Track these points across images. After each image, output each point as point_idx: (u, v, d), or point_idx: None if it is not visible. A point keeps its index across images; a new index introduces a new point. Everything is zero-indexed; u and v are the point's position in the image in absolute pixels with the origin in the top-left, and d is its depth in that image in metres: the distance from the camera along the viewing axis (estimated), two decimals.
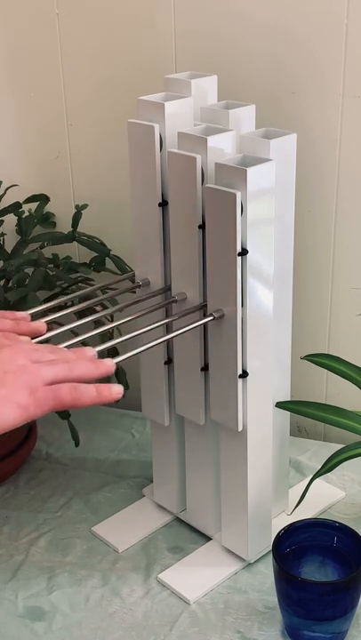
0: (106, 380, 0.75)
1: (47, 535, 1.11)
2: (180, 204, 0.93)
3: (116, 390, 0.73)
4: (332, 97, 1.11)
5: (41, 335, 0.80)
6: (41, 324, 0.82)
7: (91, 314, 0.95)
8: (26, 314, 0.82)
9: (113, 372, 0.75)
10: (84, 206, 1.25)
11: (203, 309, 0.94)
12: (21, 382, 0.70)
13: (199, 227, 0.92)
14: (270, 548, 0.97)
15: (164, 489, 1.13)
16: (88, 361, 0.74)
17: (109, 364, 0.75)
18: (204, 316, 0.92)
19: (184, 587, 1.01)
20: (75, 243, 1.24)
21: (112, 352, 1.11)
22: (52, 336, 0.85)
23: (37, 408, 0.70)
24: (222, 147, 0.91)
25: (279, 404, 1.04)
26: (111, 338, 1.00)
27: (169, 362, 1.04)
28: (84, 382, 0.72)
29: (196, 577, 1.02)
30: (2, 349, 0.72)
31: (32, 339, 0.78)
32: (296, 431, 1.30)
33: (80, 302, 0.99)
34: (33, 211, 1.30)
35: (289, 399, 1.07)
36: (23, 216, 1.27)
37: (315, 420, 1.05)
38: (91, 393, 0.72)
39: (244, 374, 0.94)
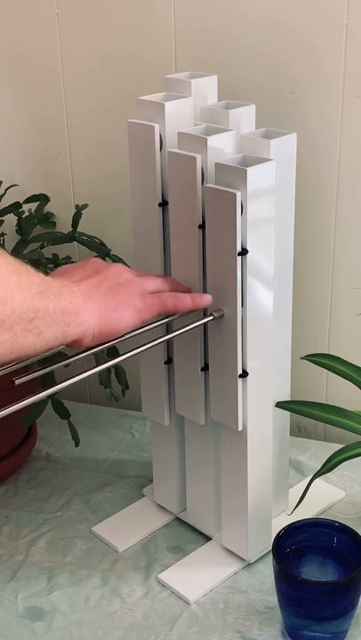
0: None
1: (47, 535, 1.11)
2: (180, 204, 0.93)
3: (207, 298, 0.90)
4: (332, 97, 1.12)
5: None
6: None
7: None
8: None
9: (191, 290, 0.92)
10: (84, 206, 1.25)
11: (203, 309, 0.94)
12: (133, 290, 0.84)
13: (199, 227, 0.92)
14: (270, 547, 0.97)
15: (164, 489, 1.13)
16: (172, 280, 0.92)
17: (187, 286, 0.93)
18: (204, 315, 0.92)
19: (184, 587, 1.01)
20: (75, 243, 1.24)
21: (112, 352, 1.11)
22: None
23: (147, 311, 0.84)
24: (222, 147, 0.91)
25: (279, 404, 1.04)
26: None
27: (169, 362, 1.04)
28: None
29: (196, 577, 1.02)
30: (109, 267, 0.86)
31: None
32: (296, 431, 1.30)
33: None
34: (33, 211, 1.30)
35: (289, 399, 1.07)
36: (23, 216, 1.27)
37: (315, 420, 1.05)
38: (187, 300, 0.88)
39: (244, 374, 0.94)
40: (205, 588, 1.01)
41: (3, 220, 1.25)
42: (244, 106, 0.97)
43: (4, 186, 1.28)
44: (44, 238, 1.26)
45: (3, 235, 1.26)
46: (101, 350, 0.86)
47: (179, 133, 0.92)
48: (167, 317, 0.93)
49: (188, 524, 1.11)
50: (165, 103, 0.93)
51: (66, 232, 1.25)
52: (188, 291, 0.92)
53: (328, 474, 1.03)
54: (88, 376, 0.81)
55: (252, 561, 1.04)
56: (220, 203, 0.87)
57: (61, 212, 1.33)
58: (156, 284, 0.88)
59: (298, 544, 0.96)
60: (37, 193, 1.31)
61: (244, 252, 0.88)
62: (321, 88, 1.12)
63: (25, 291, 0.70)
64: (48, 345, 0.74)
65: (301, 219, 1.11)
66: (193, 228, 0.92)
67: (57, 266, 1.21)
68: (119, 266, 0.87)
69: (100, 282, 0.83)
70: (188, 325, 0.90)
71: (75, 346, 0.80)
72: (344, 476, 1.18)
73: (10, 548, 1.09)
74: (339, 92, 1.11)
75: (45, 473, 1.23)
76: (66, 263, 1.22)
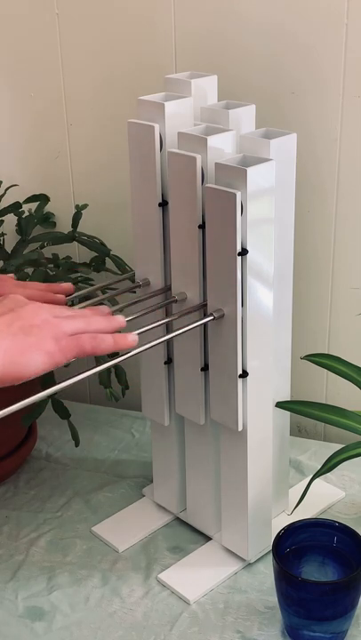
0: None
1: (47, 535, 1.11)
2: (180, 204, 0.93)
3: (132, 338, 0.82)
4: (332, 97, 1.12)
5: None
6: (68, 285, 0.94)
7: None
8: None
9: (124, 326, 0.83)
10: (84, 206, 1.25)
11: (203, 309, 0.94)
12: (47, 333, 0.77)
13: (199, 227, 0.92)
14: (270, 547, 0.97)
15: (164, 489, 1.13)
16: (101, 317, 0.83)
17: (121, 320, 0.83)
18: (204, 315, 0.92)
19: (184, 587, 1.01)
20: (75, 243, 1.24)
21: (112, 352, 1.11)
22: None
23: (62, 355, 0.77)
24: (222, 147, 0.91)
25: (279, 404, 1.04)
26: None
27: (169, 362, 1.04)
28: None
29: (196, 577, 1.02)
30: (25, 306, 0.79)
31: None
32: (296, 431, 1.30)
33: (80, 302, 0.99)
34: (33, 211, 1.30)
35: (289, 399, 1.07)
36: (23, 216, 1.27)
37: (315, 420, 1.05)
38: (108, 341, 0.80)
39: (244, 374, 0.94)
40: (205, 588, 1.01)
41: (3, 220, 1.25)
42: (244, 106, 0.97)
43: (4, 186, 1.28)
44: (44, 238, 1.26)
45: (3, 235, 1.26)
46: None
47: (179, 133, 0.92)
48: (167, 318, 0.93)
49: (188, 524, 1.11)
50: (165, 103, 0.93)
51: (66, 232, 1.25)
52: (119, 327, 0.84)
53: (328, 474, 1.03)
54: (88, 376, 0.81)
55: (252, 561, 1.04)
56: (220, 203, 0.87)
57: (61, 212, 1.33)
58: (75, 325, 0.80)
59: (298, 544, 0.96)
60: (37, 193, 1.31)
61: (244, 252, 0.88)
62: (321, 88, 1.12)
63: None
64: None
65: (301, 219, 1.11)
66: (193, 228, 0.92)
67: (57, 266, 1.21)
68: (38, 305, 0.80)
69: (13, 321, 0.77)
70: (188, 325, 0.90)
71: None
72: (344, 476, 1.18)
73: (10, 548, 1.09)
74: (339, 92, 1.11)
75: (45, 473, 1.23)
76: (66, 263, 1.22)
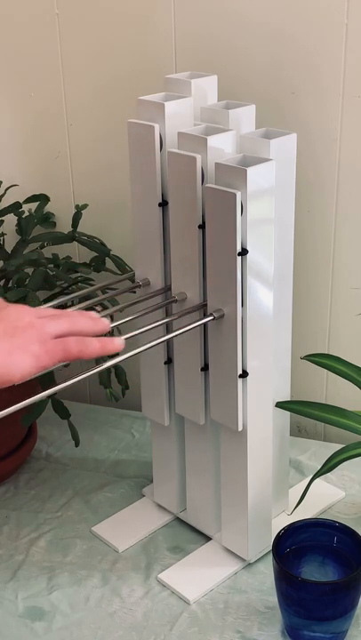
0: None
1: (47, 535, 1.11)
2: (180, 204, 0.93)
3: (118, 342, 0.79)
4: (332, 97, 1.12)
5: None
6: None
7: None
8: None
9: (109, 329, 0.81)
10: (84, 206, 1.25)
11: (203, 309, 0.94)
12: (31, 335, 0.75)
13: (199, 227, 0.92)
14: (270, 547, 0.97)
15: (164, 489, 1.13)
16: (87, 318, 0.80)
17: (106, 322, 0.81)
18: (204, 315, 0.92)
19: (184, 587, 1.01)
20: (75, 243, 1.24)
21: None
22: None
23: (48, 358, 0.75)
24: (222, 147, 0.91)
25: (279, 404, 1.04)
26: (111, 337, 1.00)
27: (169, 362, 1.04)
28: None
29: (196, 577, 1.02)
30: (9, 308, 0.78)
31: None
32: (296, 431, 1.30)
33: (80, 302, 0.99)
34: (33, 211, 1.30)
35: (289, 399, 1.07)
36: (23, 216, 1.27)
37: (315, 420, 1.05)
38: (95, 345, 0.78)
39: (244, 374, 0.94)
40: (205, 587, 1.01)
41: (3, 220, 1.25)
42: (244, 106, 0.97)
43: (4, 186, 1.28)
44: (44, 238, 1.26)
45: (3, 235, 1.26)
46: None
47: (179, 133, 0.92)
48: (166, 318, 0.93)
49: (188, 524, 1.11)
50: (165, 103, 0.93)
51: (66, 232, 1.25)
52: (104, 330, 0.82)
53: (328, 474, 1.03)
54: (88, 376, 0.81)
55: (252, 561, 1.04)
56: (220, 203, 0.87)
57: (61, 211, 1.33)
58: (60, 326, 0.78)
59: (298, 544, 0.96)
60: (37, 193, 1.31)
61: (244, 252, 0.88)
62: (321, 88, 1.12)
63: None
64: None
65: (301, 219, 1.11)
66: (193, 228, 0.92)
67: (57, 266, 1.21)
68: (20, 307, 0.79)
69: None
70: (188, 325, 0.90)
71: None
72: (344, 476, 1.18)
73: (10, 548, 1.09)
74: (339, 92, 1.11)
75: (45, 473, 1.23)
76: (66, 263, 1.22)
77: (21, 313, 0.78)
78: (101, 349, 0.79)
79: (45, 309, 0.81)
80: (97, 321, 0.81)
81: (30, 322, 0.77)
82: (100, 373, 1.12)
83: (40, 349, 0.75)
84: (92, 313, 0.83)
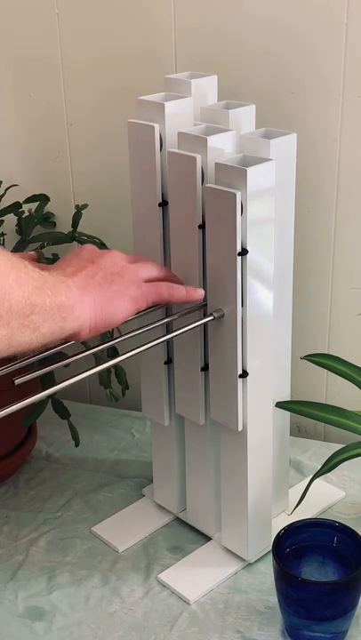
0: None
1: (47, 535, 1.11)
2: (180, 204, 0.93)
3: (201, 292, 0.91)
4: (332, 97, 1.11)
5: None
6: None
7: None
8: None
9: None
10: (84, 206, 1.25)
11: (203, 309, 0.94)
12: (128, 279, 0.84)
13: (199, 227, 0.92)
14: (270, 547, 0.97)
15: (164, 489, 1.13)
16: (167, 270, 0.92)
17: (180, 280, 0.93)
18: (204, 315, 0.92)
19: (184, 587, 1.01)
20: (75, 243, 1.24)
21: (112, 352, 1.11)
22: None
23: (143, 300, 0.85)
24: (222, 147, 0.91)
25: (279, 404, 1.04)
26: (111, 338, 1.00)
27: (169, 362, 1.04)
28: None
29: (196, 577, 1.02)
30: (103, 256, 0.85)
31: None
32: (296, 431, 1.30)
33: None
34: (33, 211, 1.30)
35: (289, 399, 1.07)
36: (23, 216, 1.27)
37: (315, 420, 1.05)
38: (182, 291, 0.89)
39: (244, 374, 0.94)
40: (205, 588, 1.01)
41: (3, 220, 1.25)
42: (244, 106, 0.97)
43: (4, 186, 1.28)
44: (44, 238, 1.26)
45: (3, 235, 1.26)
46: (101, 350, 0.86)
47: (179, 133, 0.92)
48: (166, 318, 0.93)
49: (188, 524, 1.11)
50: (165, 103, 0.93)
51: (66, 232, 1.25)
52: (181, 282, 0.93)
53: (328, 474, 1.03)
54: (88, 376, 0.81)
55: (252, 561, 1.04)
56: (220, 203, 0.87)
57: (61, 211, 1.33)
58: (150, 271, 0.88)
59: (298, 544, 0.96)
60: (37, 193, 1.31)
61: (244, 252, 0.88)
62: (321, 88, 1.12)
63: (23, 287, 0.70)
64: (45, 339, 0.74)
65: (301, 219, 1.11)
66: (193, 228, 0.92)
67: None
68: (113, 253, 0.86)
69: (95, 272, 0.82)
70: (188, 325, 0.90)
71: (72, 339, 0.80)
72: (344, 476, 1.18)
73: (10, 548, 1.09)
74: (339, 92, 1.11)
75: (45, 473, 1.23)
76: None
77: (115, 259, 0.85)
78: (187, 296, 0.90)
79: (135, 255, 0.90)
80: (175, 274, 0.93)
81: (125, 267, 0.85)
82: (100, 373, 1.12)
83: (137, 292, 0.83)
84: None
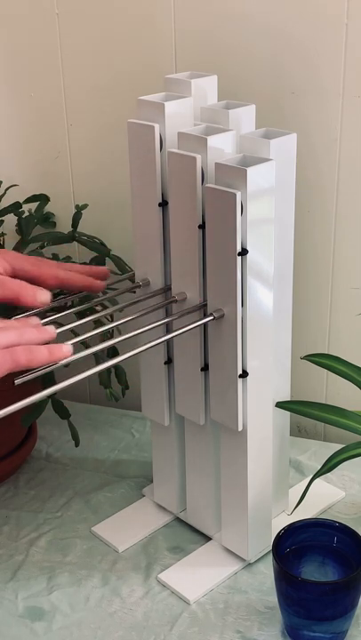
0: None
1: (47, 535, 1.11)
2: (180, 204, 0.93)
3: (67, 349, 0.80)
4: (332, 97, 1.12)
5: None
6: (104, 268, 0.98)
7: (91, 314, 0.95)
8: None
9: (55, 337, 0.82)
10: (84, 206, 1.25)
11: (203, 309, 0.94)
12: None
13: (199, 227, 0.92)
14: (270, 547, 0.97)
15: (164, 489, 1.13)
16: (33, 328, 0.81)
17: (52, 331, 0.82)
18: (204, 315, 0.92)
19: (184, 587, 1.01)
20: (75, 243, 1.24)
21: (112, 352, 1.11)
22: None
23: None
24: (222, 147, 0.91)
25: (279, 404, 1.04)
26: (111, 338, 1.00)
27: (169, 362, 1.04)
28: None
29: (196, 577, 1.02)
30: None
31: None
32: (296, 431, 1.30)
33: (80, 302, 0.99)
34: (33, 211, 1.30)
35: (289, 399, 1.07)
36: (23, 216, 1.27)
37: (315, 420, 1.05)
38: (43, 353, 0.79)
39: (244, 374, 0.94)
40: (205, 587, 1.01)
41: (3, 220, 1.25)
42: (244, 106, 0.97)
43: (4, 186, 1.28)
44: (44, 238, 1.26)
45: (3, 235, 1.26)
46: (101, 350, 0.86)
47: (179, 133, 0.92)
48: (167, 318, 0.93)
49: (188, 524, 1.11)
50: (165, 103, 0.93)
51: (66, 232, 1.25)
52: (50, 338, 0.82)
53: (328, 474, 1.03)
54: (88, 376, 0.81)
55: (252, 561, 1.04)
56: (220, 203, 0.87)
57: (61, 211, 1.33)
58: (7, 337, 0.78)
59: (298, 544, 0.96)
60: (37, 193, 1.31)
61: (244, 252, 0.88)
62: (321, 88, 1.12)
63: None
64: None
65: (301, 219, 1.11)
66: (193, 228, 0.92)
67: None
68: None
69: None
70: (188, 325, 0.90)
71: None
72: (344, 476, 1.18)
73: (10, 548, 1.09)
74: (339, 92, 1.11)
75: (45, 473, 1.23)
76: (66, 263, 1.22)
77: None
78: (50, 357, 0.79)
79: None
80: (42, 331, 0.81)
81: None
82: (100, 373, 1.12)
83: None
84: (36, 319, 0.84)
